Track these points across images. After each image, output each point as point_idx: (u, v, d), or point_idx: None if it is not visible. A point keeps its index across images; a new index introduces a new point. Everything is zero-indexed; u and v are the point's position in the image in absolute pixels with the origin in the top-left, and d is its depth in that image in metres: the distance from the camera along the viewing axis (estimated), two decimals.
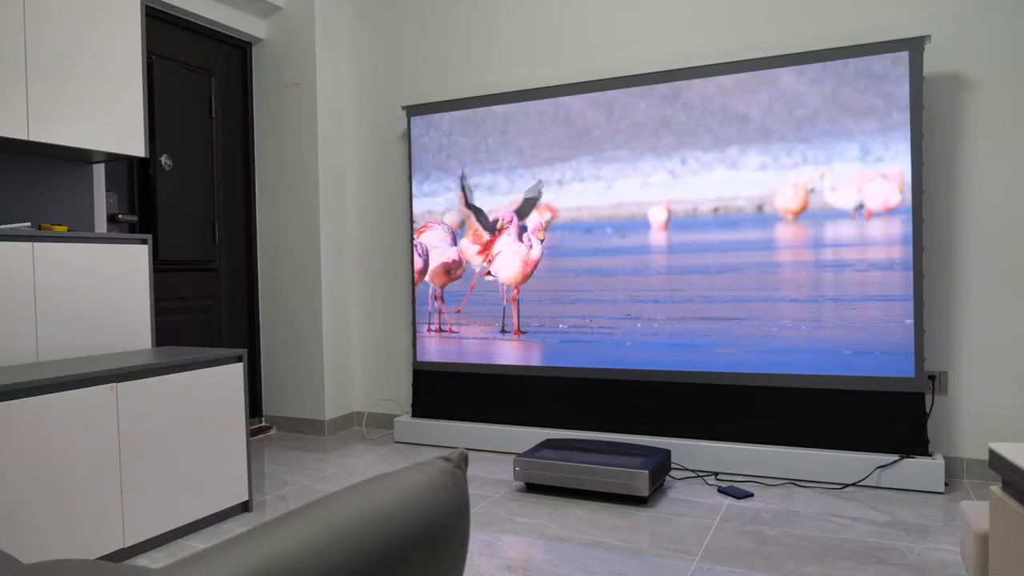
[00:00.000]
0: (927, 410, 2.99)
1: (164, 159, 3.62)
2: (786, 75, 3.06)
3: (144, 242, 2.87)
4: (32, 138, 2.45)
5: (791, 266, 3.09)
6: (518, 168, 3.56)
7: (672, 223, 3.28)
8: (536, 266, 3.49)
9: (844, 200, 2.98)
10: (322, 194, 4.01)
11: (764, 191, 3.12)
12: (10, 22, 2.38)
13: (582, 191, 3.44)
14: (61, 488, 2.12)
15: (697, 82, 3.21)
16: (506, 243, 3.42)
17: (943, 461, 2.83)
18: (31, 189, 2.82)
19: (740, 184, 3.16)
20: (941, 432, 3.02)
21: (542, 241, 3.36)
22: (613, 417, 3.41)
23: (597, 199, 3.42)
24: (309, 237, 4.03)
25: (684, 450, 3.21)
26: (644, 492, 2.70)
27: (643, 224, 3.34)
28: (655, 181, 3.31)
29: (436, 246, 3.59)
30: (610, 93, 3.38)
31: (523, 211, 3.53)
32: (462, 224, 3.70)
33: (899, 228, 2.91)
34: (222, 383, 2.65)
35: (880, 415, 2.94)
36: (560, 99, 3.49)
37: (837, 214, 3.00)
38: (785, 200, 3.08)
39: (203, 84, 3.88)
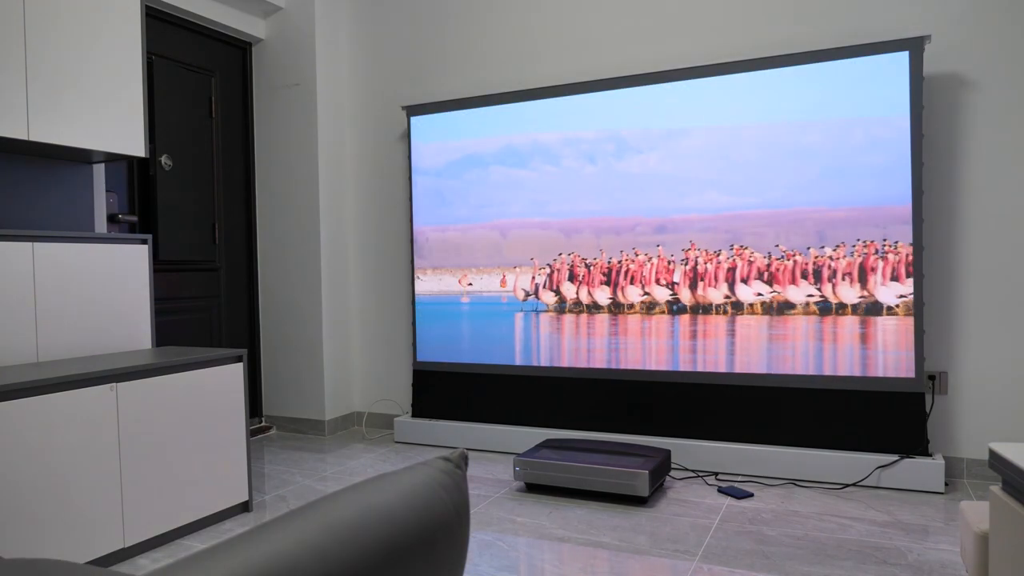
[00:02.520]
0: (927, 410, 2.99)
1: (164, 159, 3.62)
2: (786, 75, 3.06)
3: (144, 242, 2.87)
4: (32, 138, 2.45)
5: (791, 267, 3.09)
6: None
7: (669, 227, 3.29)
8: None
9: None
10: (322, 194, 4.01)
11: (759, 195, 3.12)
12: (10, 22, 2.38)
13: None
14: (61, 488, 2.12)
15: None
16: None
17: (943, 461, 2.83)
18: (31, 189, 2.82)
19: (734, 189, 3.16)
20: (941, 432, 3.02)
21: None
22: (613, 417, 3.41)
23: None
24: (309, 237, 4.03)
25: (684, 450, 3.21)
26: (644, 492, 2.70)
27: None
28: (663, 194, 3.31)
29: None
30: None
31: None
32: None
33: (899, 229, 2.91)
34: (222, 383, 2.65)
35: (880, 415, 2.94)
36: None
37: (834, 218, 3.00)
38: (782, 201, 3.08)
39: (203, 84, 3.88)
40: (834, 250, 3.01)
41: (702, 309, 3.24)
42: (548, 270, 3.57)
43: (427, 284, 3.86)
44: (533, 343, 3.60)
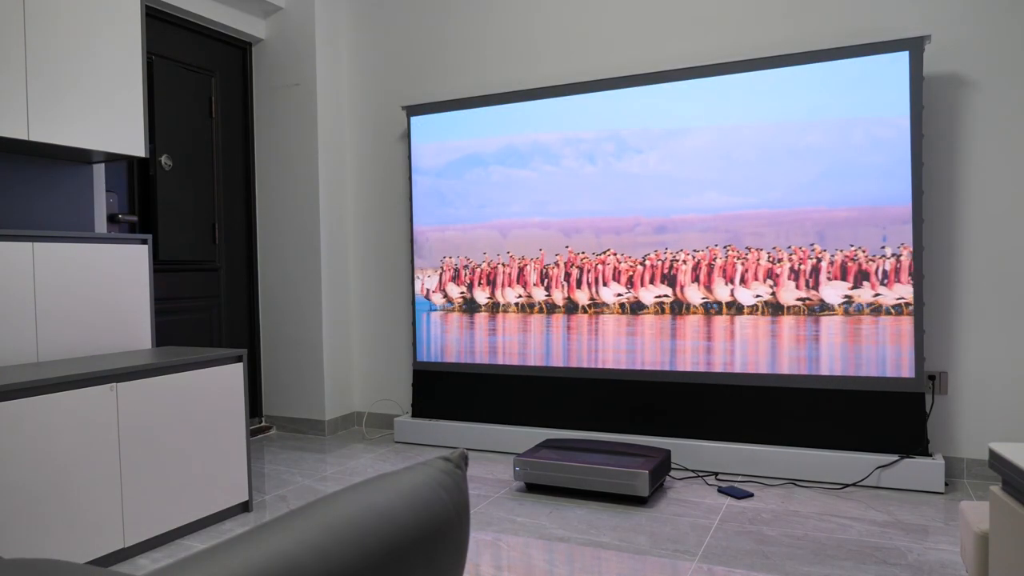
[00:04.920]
0: (927, 410, 2.99)
1: (164, 159, 3.62)
2: (786, 75, 3.06)
3: (144, 242, 2.87)
4: (32, 138, 2.45)
5: (791, 266, 3.09)
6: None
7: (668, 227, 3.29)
8: None
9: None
10: (322, 194, 4.01)
11: (760, 196, 3.12)
12: (10, 22, 2.38)
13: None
14: (61, 488, 2.12)
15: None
16: None
17: (943, 461, 2.83)
18: (31, 189, 2.82)
19: (732, 191, 3.16)
20: (941, 432, 3.02)
21: None
22: (613, 417, 3.41)
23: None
24: (309, 237, 4.03)
25: (684, 450, 3.21)
26: (644, 492, 2.70)
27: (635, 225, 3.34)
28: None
29: None
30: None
31: None
32: None
33: (899, 229, 2.91)
34: (222, 383, 2.65)
35: (880, 415, 2.94)
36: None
37: (834, 218, 3.00)
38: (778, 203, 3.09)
39: (203, 84, 3.88)
40: (834, 253, 3.01)
41: (689, 309, 3.24)
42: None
43: (427, 284, 3.86)
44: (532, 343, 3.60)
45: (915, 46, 2.84)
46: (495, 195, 3.67)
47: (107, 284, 2.72)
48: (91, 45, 2.63)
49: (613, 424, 3.41)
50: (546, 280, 3.56)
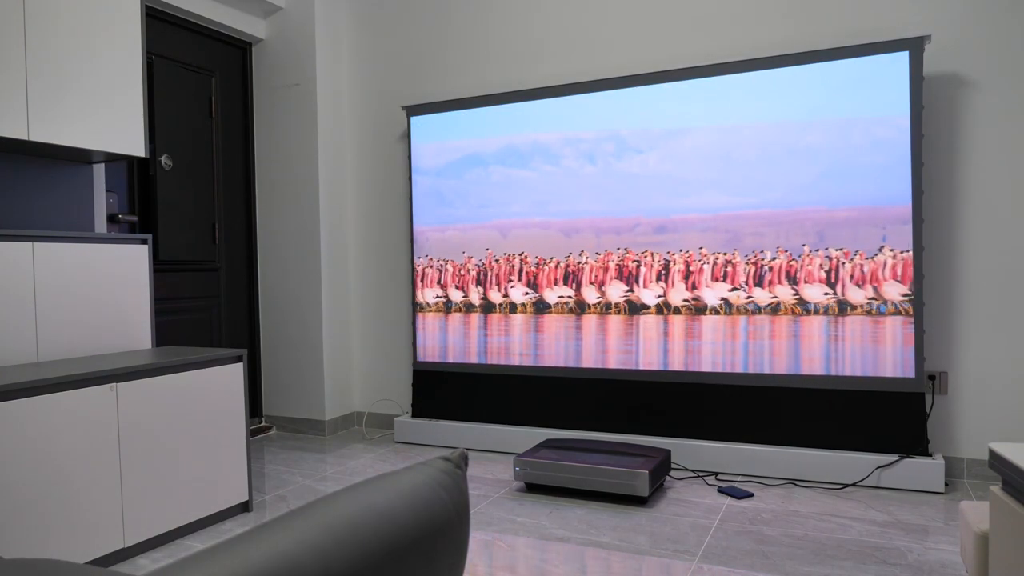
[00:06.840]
0: (927, 410, 2.99)
1: (164, 159, 3.62)
2: (786, 75, 3.06)
3: (144, 242, 2.87)
4: (32, 138, 2.45)
5: (791, 266, 3.09)
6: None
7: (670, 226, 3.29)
8: None
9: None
10: (322, 194, 4.01)
11: (759, 195, 3.12)
12: (10, 22, 2.38)
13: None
14: (61, 488, 2.12)
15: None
16: None
17: (943, 461, 2.83)
18: (31, 189, 2.82)
19: (731, 189, 3.16)
20: (941, 432, 3.02)
21: None
22: (613, 417, 3.41)
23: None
24: (309, 237, 4.03)
25: (684, 450, 3.21)
26: (644, 492, 2.70)
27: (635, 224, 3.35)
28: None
29: None
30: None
31: None
32: None
33: (899, 229, 2.91)
34: (222, 383, 2.65)
35: (880, 415, 2.94)
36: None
37: (834, 218, 3.00)
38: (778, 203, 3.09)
39: (203, 84, 3.88)
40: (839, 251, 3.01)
41: (696, 309, 3.24)
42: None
43: (424, 283, 3.86)
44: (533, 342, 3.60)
45: (915, 46, 2.84)
46: (495, 195, 3.67)
47: (107, 284, 2.72)
48: (91, 45, 2.63)
49: (613, 424, 3.41)
50: (569, 279, 3.55)
